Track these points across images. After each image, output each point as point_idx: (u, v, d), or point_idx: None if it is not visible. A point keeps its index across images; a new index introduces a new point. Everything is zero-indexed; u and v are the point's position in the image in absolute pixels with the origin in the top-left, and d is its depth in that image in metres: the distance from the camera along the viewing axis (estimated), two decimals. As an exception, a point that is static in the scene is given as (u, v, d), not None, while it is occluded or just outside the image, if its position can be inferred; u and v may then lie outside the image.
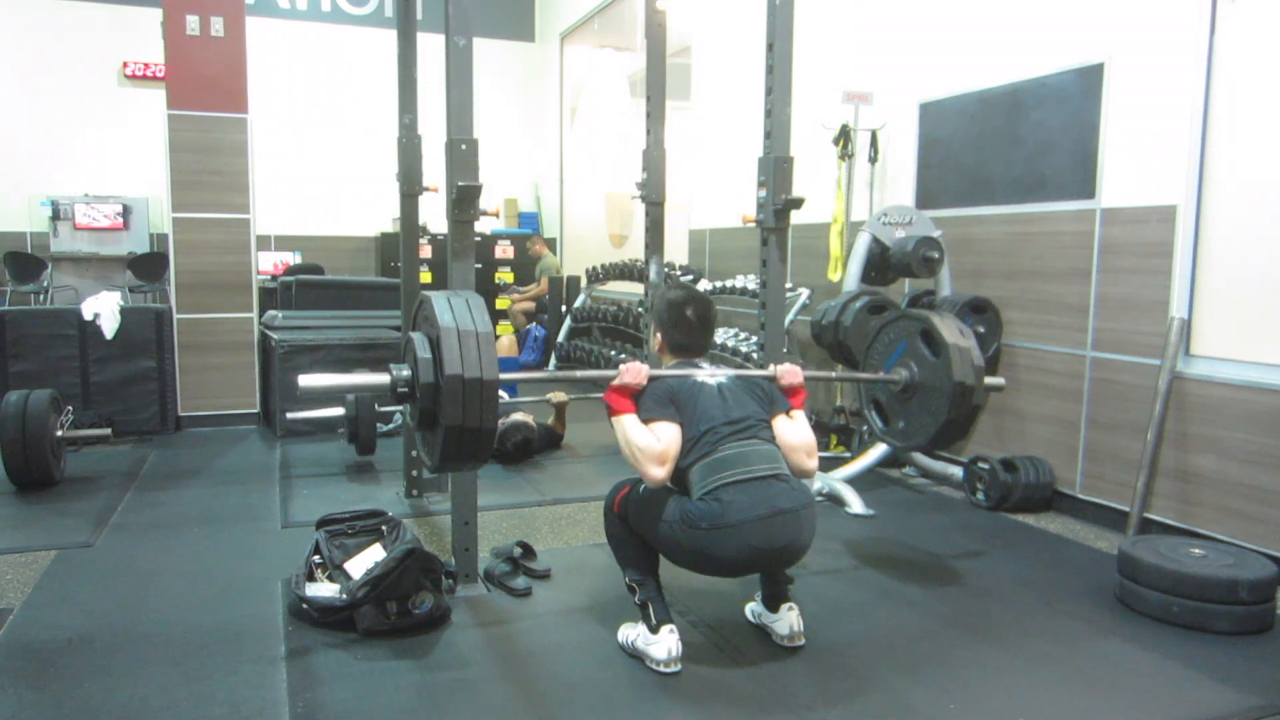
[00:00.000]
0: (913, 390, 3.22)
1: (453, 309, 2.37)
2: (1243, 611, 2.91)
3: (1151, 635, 2.90)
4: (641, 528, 2.67)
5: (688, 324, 2.81)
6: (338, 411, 5.06)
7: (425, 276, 8.84)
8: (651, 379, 2.67)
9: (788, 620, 2.77)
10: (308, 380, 2.49)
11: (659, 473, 2.55)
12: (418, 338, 2.45)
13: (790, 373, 2.83)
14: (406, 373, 2.47)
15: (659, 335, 2.89)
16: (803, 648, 2.75)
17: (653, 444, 2.55)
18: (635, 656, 2.66)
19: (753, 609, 2.93)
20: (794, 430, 2.74)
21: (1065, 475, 4.28)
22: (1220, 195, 3.63)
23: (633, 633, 2.70)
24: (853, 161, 5.27)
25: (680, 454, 2.59)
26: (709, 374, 2.73)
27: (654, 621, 2.60)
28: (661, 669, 2.57)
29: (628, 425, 2.61)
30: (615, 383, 2.65)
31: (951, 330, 3.10)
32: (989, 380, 3.18)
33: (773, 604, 2.81)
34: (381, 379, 2.49)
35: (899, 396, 3.28)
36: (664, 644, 2.58)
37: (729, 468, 2.54)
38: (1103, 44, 4.00)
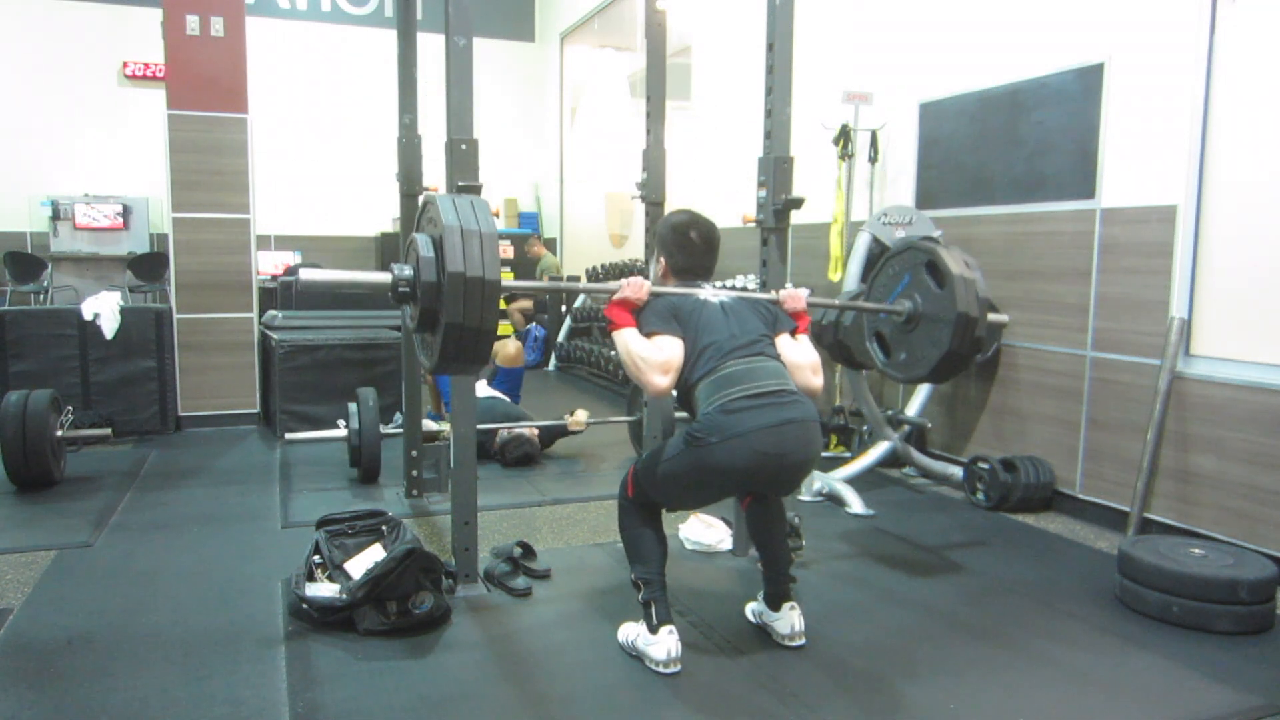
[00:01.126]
0: (916, 321, 3.17)
1: (457, 209, 2.35)
2: (1243, 611, 2.91)
3: (1151, 635, 2.90)
4: (650, 485, 2.66)
5: (692, 246, 2.78)
6: (340, 434, 4.83)
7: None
8: (653, 295, 2.68)
9: (789, 619, 2.76)
10: (309, 274, 2.51)
11: (662, 382, 2.56)
12: (421, 238, 2.42)
13: (794, 297, 2.83)
14: (408, 272, 2.44)
15: (662, 260, 2.85)
16: (804, 647, 2.75)
17: (655, 354, 2.56)
18: (635, 656, 2.66)
19: (754, 608, 2.93)
20: (799, 350, 2.75)
21: (1065, 475, 4.28)
22: (1220, 195, 3.63)
23: (633, 632, 2.70)
24: (853, 161, 5.27)
25: (685, 369, 2.59)
26: (711, 293, 2.73)
27: (654, 622, 2.59)
28: (661, 669, 2.56)
29: (629, 338, 2.61)
30: (616, 297, 2.65)
31: (957, 262, 3.04)
32: (993, 316, 3.11)
33: (774, 603, 2.80)
34: (383, 277, 2.47)
35: (902, 328, 3.23)
36: (663, 644, 2.57)
37: (737, 384, 2.54)
38: (1103, 44, 4.00)
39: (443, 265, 2.30)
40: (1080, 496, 4.21)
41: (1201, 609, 2.92)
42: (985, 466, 4.35)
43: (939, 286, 3.07)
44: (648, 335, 2.61)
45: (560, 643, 2.81)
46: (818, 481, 4.45)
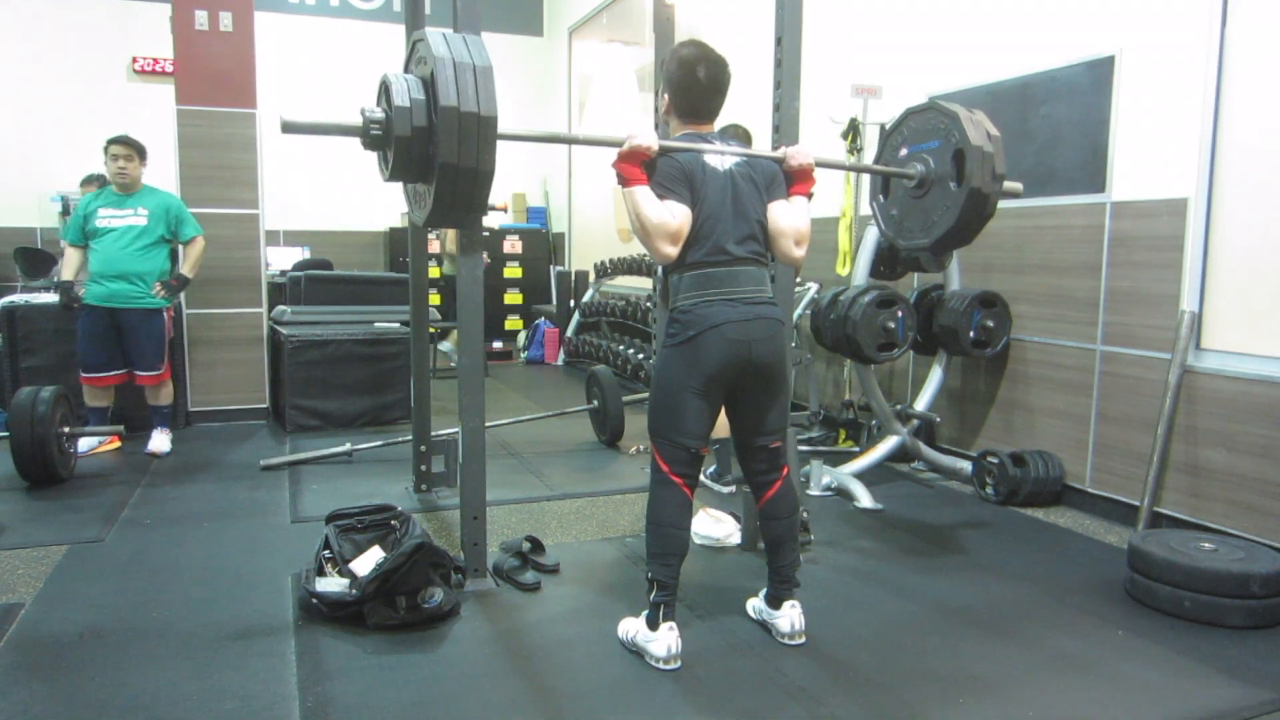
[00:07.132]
0: (927, 187, 3.04)
1: (449, 44, 2.26)
2: (1254, 606, 2.90)
3: (1162, 630, 2.90)
4: (662, 416, 2.62)
5: (699, 87, 2.66)
6: (342, 449, 5.00)
7: (434, 271, 8.85)
8: (662, 149, 2.58)
9: (790, 617, 2.74)
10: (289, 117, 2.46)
11: (670, 251, 2.54)
12: (406, 79, 2.32)
13: (798, 154, 2.73)
14: (380, 115, 2.39)
15: (666, 97, 2.74)
16: (804, 645, 2.74)
17: (668, 220, 2.52)
18: (634, 652, 2.65)
19: (754, 605, 2.92)
20: (787, 214, 2.68)
21: (1075, 469, 4.26)
22: (1232, 188, 3.60)
23: (632, 628, 2.68)
24: (861, 155, 5.25)
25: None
26: (719, 154, 2.63)
27: (659, 620, 2.58)
28: (661, 666, 2.55)
29: (640, 198, 2.53)
30: (626, 148, 2.54)
31: (979, 132, 2.92)
32: (1007, 184, 3.02)
33: (775, 602, 2.79)
34: (355, 122, 2.43)
35: (911, 192, 3.13)
36: (664, 641, 2.56)
37: (719, 285, 2.56)
38: (1113, 37, 3.98)
39: (435, 101, 2.15)
40: (1090, 491, 4.20)
41: (1213, 603, 2.91)
42: (994, 461, 4.34)
43: (954, 158, 2.93)
44: (660, 196, 2.54)
45: (569, 637, 2.81)
46: (827, 476, 4.45)
